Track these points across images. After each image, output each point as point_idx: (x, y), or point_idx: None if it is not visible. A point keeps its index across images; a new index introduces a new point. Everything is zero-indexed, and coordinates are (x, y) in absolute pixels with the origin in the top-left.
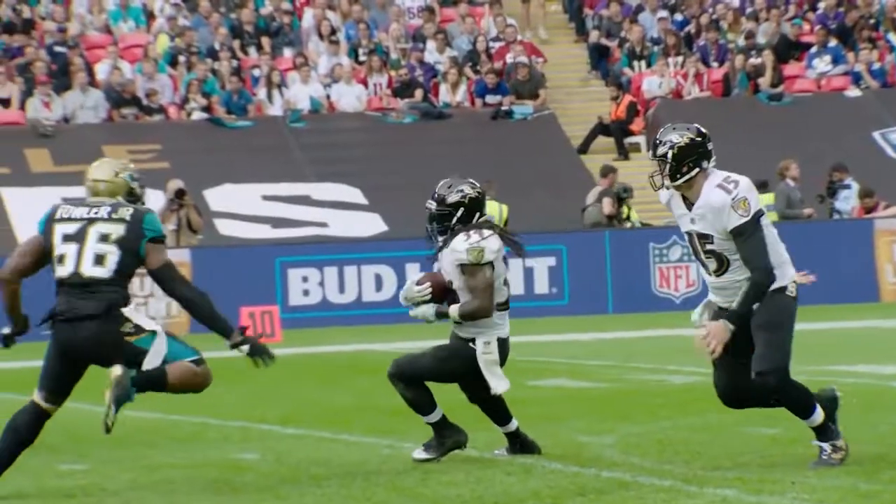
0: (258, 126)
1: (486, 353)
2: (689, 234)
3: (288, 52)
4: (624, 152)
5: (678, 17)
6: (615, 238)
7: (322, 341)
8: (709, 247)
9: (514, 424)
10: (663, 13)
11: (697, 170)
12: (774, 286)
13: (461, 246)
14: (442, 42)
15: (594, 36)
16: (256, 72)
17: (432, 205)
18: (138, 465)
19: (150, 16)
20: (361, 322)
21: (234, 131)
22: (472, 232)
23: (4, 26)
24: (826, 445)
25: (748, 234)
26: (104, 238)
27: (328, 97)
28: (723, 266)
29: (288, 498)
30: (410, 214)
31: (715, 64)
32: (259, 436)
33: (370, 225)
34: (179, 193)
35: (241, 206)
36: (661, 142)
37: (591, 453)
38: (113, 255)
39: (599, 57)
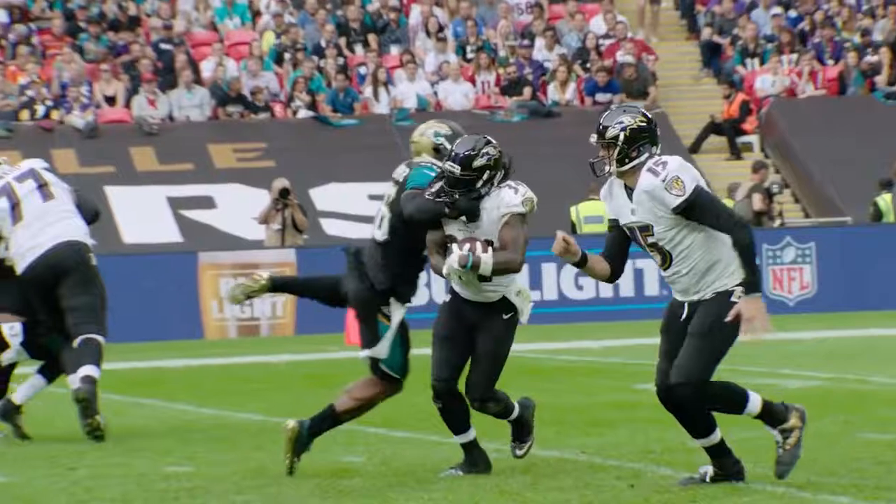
0: (364, 124)
1: (524, 300)
2: (631, 228)
3: (395, 50)
4: (736, 152)
5: (792, 13)
6: None
7: (429, 343)
8: (650, 240)
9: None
10: (777, 10)
11: (647, 154)
12: (720, 287)
13: (515, 199)
14: (551, 39)
15: (706, 33)
16: (363, 69)
17: (455, 168)
18: (244, 467)
19: (256, 13)
20: None
21: (340, 130)
22: (517, 185)
23: (110, 23)
24: (776, 433)
25: (698, 206)
26: (386, 200)
27: (435, 95)
28: (666, 260)
29: (394, 502)
30: None
31: (830, 61)
32: (365, 439)
33: None
34: (284, 193)
35: (347, 206)
36: (609, 125)
37: (702, 459)
38: (386, 217)
39: (711, 54)
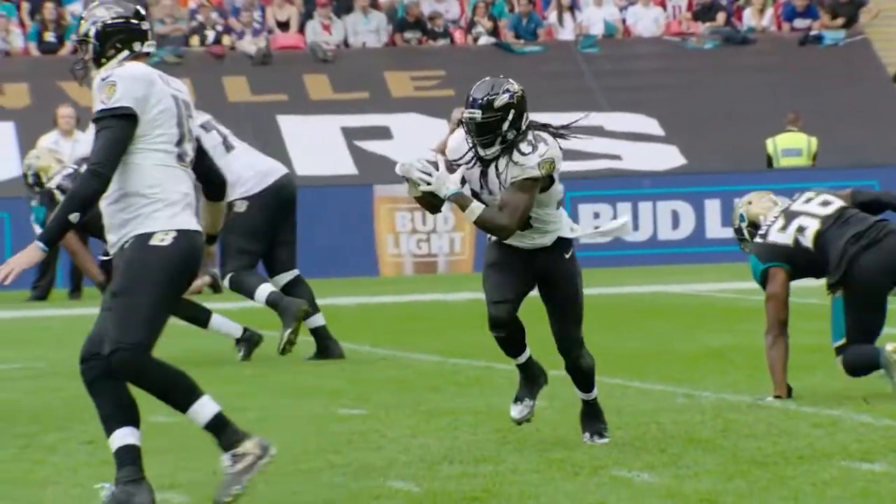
0: (548, 51)
1: (583, 234)
2: None
3: None
4: None
5: None
6: None
7: (614, 282)
8: None
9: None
10: None
11: (127, 52)
12: (140, 230)
13: (532, 161)
14: None
15: None
16: None
17: (476, 113)
18: (419, 410)
19: None
20: (656, 262)
21: (523, 57)
22: (536, 142)
23: None
24: (226, 457)
25: (98, 128)
26: None
27: (623, 21)
28: None
29: (577, 447)
30: (711, 146)
31: None
32: (550, 383)
33: (667, 158)
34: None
35: None
36: (84, 18)
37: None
38: None
39: None
